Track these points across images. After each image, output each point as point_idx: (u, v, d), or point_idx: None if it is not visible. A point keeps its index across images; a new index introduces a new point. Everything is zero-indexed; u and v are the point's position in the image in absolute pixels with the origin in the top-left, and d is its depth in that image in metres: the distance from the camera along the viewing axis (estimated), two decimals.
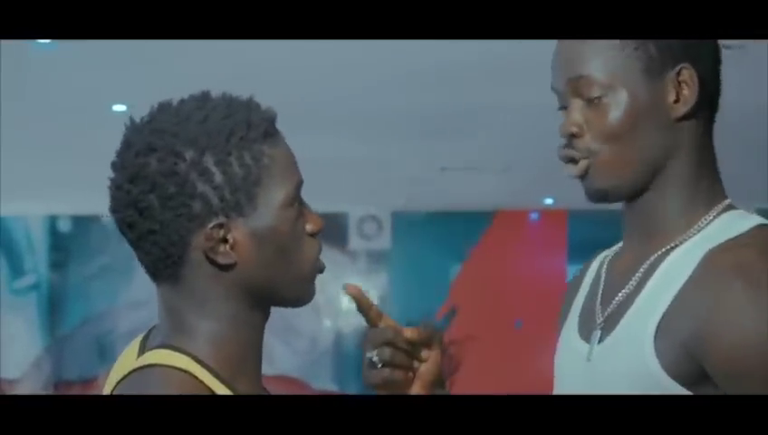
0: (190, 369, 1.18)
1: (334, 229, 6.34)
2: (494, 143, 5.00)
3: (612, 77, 1.30)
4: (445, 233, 6.65)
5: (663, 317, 1.25)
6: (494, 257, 6.62)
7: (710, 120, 1.35)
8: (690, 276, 1.25)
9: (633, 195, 1.33)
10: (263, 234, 1.21)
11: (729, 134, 5.16)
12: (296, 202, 1.23)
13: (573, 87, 1.32)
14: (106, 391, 1.24)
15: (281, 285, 1.24)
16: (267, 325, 1.33)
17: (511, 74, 3.78)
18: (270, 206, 1.21)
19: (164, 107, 1.24)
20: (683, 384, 1.22)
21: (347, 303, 7.18)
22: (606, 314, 1.33)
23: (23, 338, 6.59)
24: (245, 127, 1.21)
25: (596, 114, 1.31)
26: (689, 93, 1.31)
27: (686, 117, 1.31)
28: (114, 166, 1.22)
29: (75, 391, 6.49)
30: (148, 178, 1.18)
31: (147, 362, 1.19)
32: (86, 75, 3.82)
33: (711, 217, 1.31)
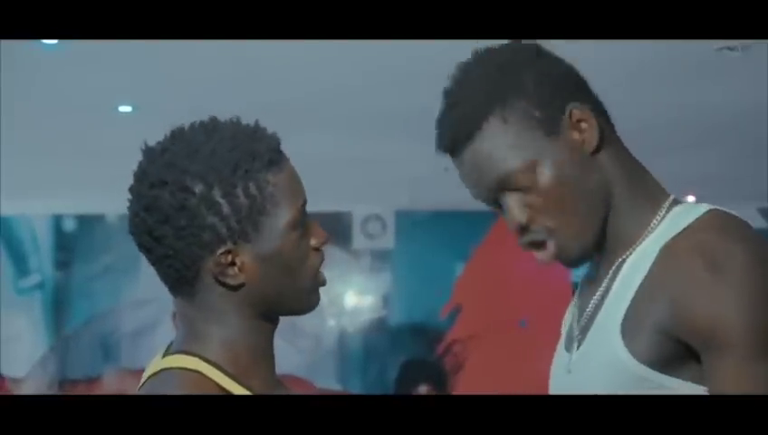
0: (200, 368, 1.28)
1: (338, 229, 6.34)
2: None
3: (524, 160, 1.34)
4: (449, 232, 6.65)
5: (627, 310, 1.30)
6: (498, 257, 6.61)
7: (613, 131, 1.39)
8: (650, 269, 1.30)
9: (603, 237, 1.38)
10: (268, 256, 1.31)
11: (730, 135, 5.15)
12: (300, 224, 1.33)
13: (496, 186, 1.36)
14: None
15: (286, 298, 1.34)
16: None
17: None
18: (274, 231, 1.31)
19: (176, 136, 1.33)
20: (657, 369, 1.25)
21: (351, 302, 7.20)
22: (581, 324, 1.39)
23: (28, 337, 6.60)
24: (250, 159, 1.29)
25: (534, 196, 1.35)
26: (589, 126, 1.34)
27: (598, 147, 1.35)
28: (131, 192, 1.33)
29: (80, 389, 6.50)
30: (161, 210, 1.28)
31: (161, 367, 1.29)
32: (92, 76, 3.82)
33: (661, 217, 1.35)
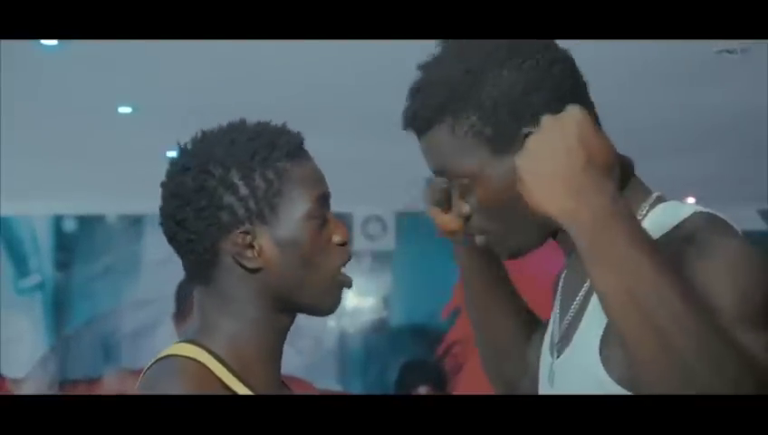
0: (201, 359, 1.30)
1: None
2: None
3: (466, 167, 1.32)
4: None
5: (607, 325, 1.24)
6: None
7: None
8: None
9: (545, 237, 1.35)
10: (286, 241, 1.33)
11: (730, 137, 5.15)
12: (319, 214, 1.35)
13: (446, 177, 1.37)
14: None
15: (305, 290, 1.35)
16: None
17: None
18: (292, 216, 1.33)
19: (205, 132, 1.39)
20: (637, 391, 1.19)
21: (351, 303, 7.21)
22: (561, 331, 1.35)
23: (28, 338, 6.60)
24: (269, 148, 1.34)
25: (471, 195, 1.34)
26: None
27: None
28: (161, 185, 1.38)
29: (81, 390, 6.50)
30: (183, 195, 1.33)
31: (168, 353, 1.31)
32: (92, 77, 3.83)
33: (642, 216, 1.30)
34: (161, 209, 1.38)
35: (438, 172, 1.37)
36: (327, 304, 1.38)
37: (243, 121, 1.38)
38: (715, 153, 4.99)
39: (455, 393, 5.74)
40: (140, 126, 4.48)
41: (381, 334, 6.67)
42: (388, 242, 6.68)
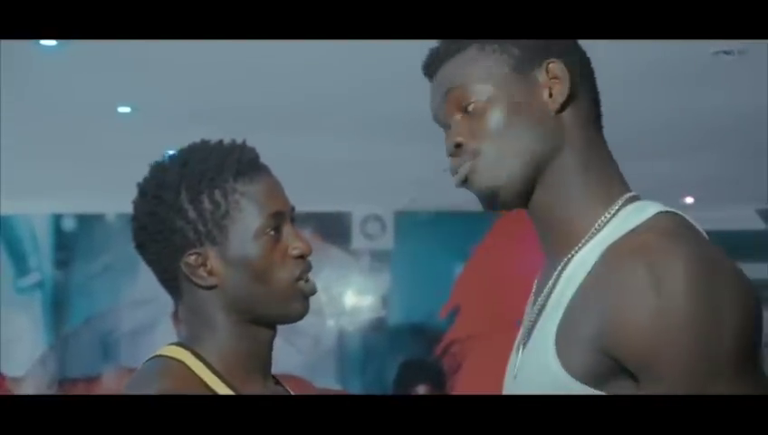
0: (184, 359, 1.35)
1: (337, 229, 6.35)
2: None
3: (483, 81, 1.32)
4: (448, 233, 6.66)
5: (562, 318, 1.24)
6: (497, 257, 6.62)
7: (593, 115, 1.35)
8: (589, 273, 1.24)
9: (521, 194, 1.34)
10: (235, 260, 1.37)
11: (729, 138, 5.15)
12: (271, 230, 1.38)
13: (450, 101, 1.35)
14: None
15: (263, 303, 1.38)
16: None
17: None
18: (242, 235, 1.37)
19: (170, 156, 1.43)
20: (592, 385, 1.19)
21: (350, 302, 7.21)
22: (527, 327, 1.35)
23: (27, 336, 6.61)
24: (218, 169, 1.38)
25: (474, 119, 1.33)
26: (561, 86, 1.31)
27: (563, 110, 1.31)
28: None
29: (80, 388, 6.51)
30: (140, 219, 1.41)
31: (157, 353, 1.39)
32: (91, 77, 3.83)
33: (611, 215, 1.29)
34: (131, 230, 1.44)
35: (448, 91, 1.34)
36: (290, 313, 1.40)
37: (201, 143, 1.43)
38: (714, 154, 5.00)
39: (453, 393, 5.75)
40: (139, 125, 4.48)
41: (380, 333, 6.68)
42: (386, 241, 6.69)
